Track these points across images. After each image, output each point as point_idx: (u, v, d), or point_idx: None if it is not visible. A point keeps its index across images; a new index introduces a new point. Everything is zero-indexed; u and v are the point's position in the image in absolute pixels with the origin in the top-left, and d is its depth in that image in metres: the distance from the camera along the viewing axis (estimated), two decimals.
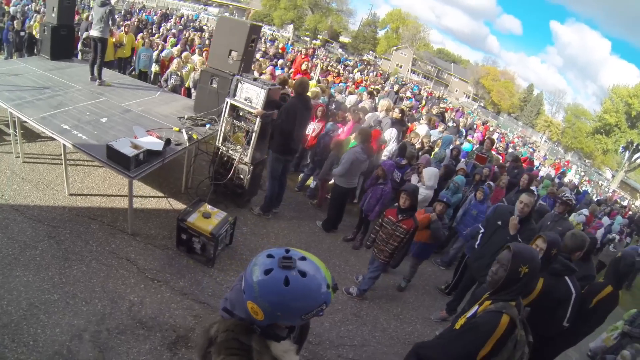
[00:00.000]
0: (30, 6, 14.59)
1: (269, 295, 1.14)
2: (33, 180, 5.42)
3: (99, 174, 6.04)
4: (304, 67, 12.03)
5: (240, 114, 5.63)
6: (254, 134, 5.49)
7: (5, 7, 13.34)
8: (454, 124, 15.91)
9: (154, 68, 10.45)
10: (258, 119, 5.35)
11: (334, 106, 9.04)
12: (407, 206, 4.43)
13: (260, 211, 6.02)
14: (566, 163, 33.43)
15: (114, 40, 10.09)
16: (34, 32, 10.65)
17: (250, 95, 5.42)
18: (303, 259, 1.21)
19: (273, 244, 5.38)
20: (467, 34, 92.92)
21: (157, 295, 4.06)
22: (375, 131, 6.78)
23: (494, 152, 10.20)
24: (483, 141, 11.43)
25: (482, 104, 55.17)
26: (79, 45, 9.95)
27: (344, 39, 60.65)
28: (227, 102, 5.57)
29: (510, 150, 21.94)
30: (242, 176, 5.84)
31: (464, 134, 15.34)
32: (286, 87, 7.51)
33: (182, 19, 25.67)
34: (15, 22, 11.03)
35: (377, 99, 11.29)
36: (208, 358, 1.27)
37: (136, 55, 10.64)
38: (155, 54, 10.56)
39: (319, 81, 12.44)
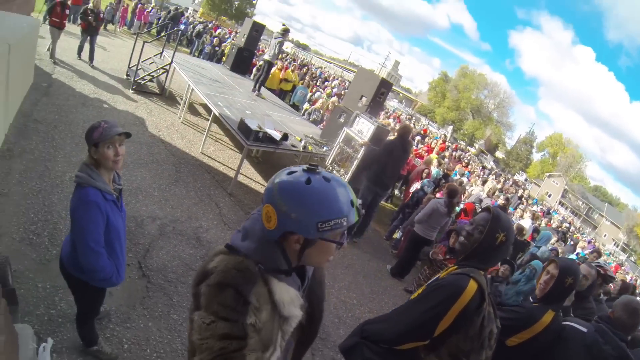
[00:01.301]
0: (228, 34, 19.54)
1: (287, 193, 1.08)
2: (182, 134, 7.76)
3: (227, 150, 7.98)
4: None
5: (352, 143, 6.54)
6: (355, 161, 6.31)
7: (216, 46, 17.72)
8: (572, 243, 14.39)
9: (306, 106, 12.29)
10: (362, 148, 6.18)
11: (443, 180, 9.50)
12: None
13: None
14: None
15: (281, 75, 12.28)
16: (225, 51, 15.12)
17: (363, 129, 6.35)
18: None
19: (338, 264, 5.79)
20: (632, 176, 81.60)
21: (222, 233, 5.02)
22: (468, 204, 7.10)
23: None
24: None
25: (633, 259, 47.65)
26: (254, 70, 12.35)
27: (499, 154, 59.50)
28: (344, 130, 6.58)
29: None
30: None
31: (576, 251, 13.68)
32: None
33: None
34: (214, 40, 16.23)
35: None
36: (197, 295, 1.11)
37: (294, 90, 12.73)
38: (309, 95, 12.52)
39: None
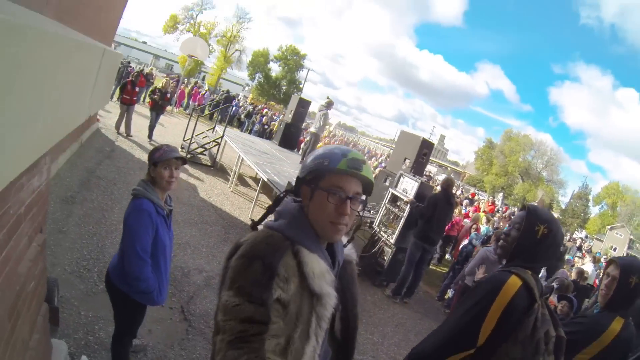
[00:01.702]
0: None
1: (311, 156, 1.31)
2: (231, 201, 8.31)
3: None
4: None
5: (398, 203, 6.67)
6: (402, 219, 6.36)
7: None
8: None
9: None
10: (408, 206, 6.25)
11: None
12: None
13: (391, 293, 6.51)
14: None
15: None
16: (273, 129, 16.46)
17: (407, 187, 6.51)
18: None
19: (388, 318, 5.77)
20: None
21: None
22: None
23: None
24: None
25: None
26: (302, 145, 12.96)
27: (554, 214, 56.60)
28: (389, 191, 6.76)
29: None
30: (385, 257, 6.61)
31: None
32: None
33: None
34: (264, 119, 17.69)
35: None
36: (226, 269, 1.16)
37: None
38: None
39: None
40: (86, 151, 7.81)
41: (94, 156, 7.66)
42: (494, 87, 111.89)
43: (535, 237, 1.74)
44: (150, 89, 11.47)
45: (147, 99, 11.77)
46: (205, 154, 10.95)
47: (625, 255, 42.59)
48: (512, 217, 2.11)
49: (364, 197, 1.31)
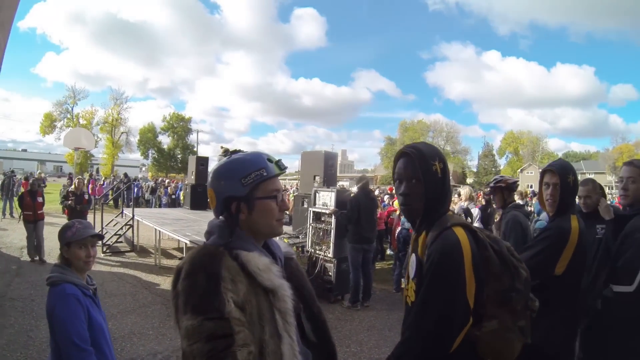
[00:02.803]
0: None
1: (216, 171, 1.31)
2: (163, 277, 7.87)
3: None
4: None
5: (322, 218, 6.76)
6: (332, 231, 6.45)
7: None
8: None
9: None
10: (333, 217, 6.37)
11: None
12: None
13: (349, 303, 6.50)
14: None
15: None
16: (181, 198, 16.04)
17: (326, 200, 6.64)
18: None
19: (356, 326, 5.74)
20: (587, 126, 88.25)
21: None
22: None
23: None
24: None
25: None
26: None
27: (470, 180, 60.49)
28: (309, 211, 6.82)
29: None
30: (330, 273, 6.64)
31: None
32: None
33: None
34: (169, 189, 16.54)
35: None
36: (176, 296, 1.12)
37: None
38: None
39: None
40: None
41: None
42: (375, 89, 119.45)
43: (437, 177, 1.53)
44: (62, 194, 10.26)
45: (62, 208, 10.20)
46: (121, 241, 10.48)
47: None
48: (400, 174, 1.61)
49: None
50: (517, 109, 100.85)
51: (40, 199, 8.89)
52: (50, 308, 2.03)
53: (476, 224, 7.06)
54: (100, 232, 7.88)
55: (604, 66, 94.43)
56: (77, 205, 8.90)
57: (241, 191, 1.25)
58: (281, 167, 1.32)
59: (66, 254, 2.17)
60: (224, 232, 1.26)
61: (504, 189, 3.97)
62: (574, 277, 2.22)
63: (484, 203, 8.50)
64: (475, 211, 7.84)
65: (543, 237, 2.35)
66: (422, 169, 1.52)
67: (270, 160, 1.30)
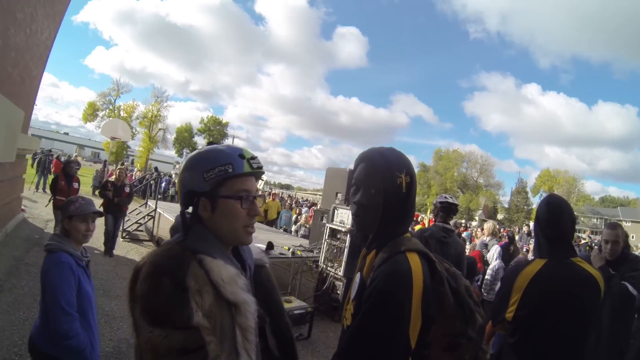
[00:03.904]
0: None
1: (184, 161, 1.21)
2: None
3: None
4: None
5: (338, 236, 6.73)
6: (345, 250, 6.40)
7: None
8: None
9: (294, 227, 12.76)
10: (348, 235, 6.31)
11: None
12: None
13: None
14: None
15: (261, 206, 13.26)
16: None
17: (343, 218, 6.59)
18: None
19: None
20: (627, 170, 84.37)
21: None
22: (474, 253, 7.09)
23: None
24: None
25: None
26: None
27: (500, 215, 59.42)
28: (326, 227, 6.80)
29: None
30: (338, 291, 6.57)
31: None
32: None
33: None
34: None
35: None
36: (134, 300, 1.01)
37: (279, 216, 13.10)
38: (294, 217, 13.10)
39: None
40: (12, 240, 7.55)
41: (21, 244, 7.41)
42: (413, 114, 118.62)
43: (401, 192, 1.34)
44: (95, 180, 10.40)
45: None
46: (141, 229, 10.89)
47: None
48: (359, 180, 1.46)
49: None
50: (554, 147, 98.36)
51: (76, 185, 8.09)
52: (44, 272, 2.18)
53: (496, 262, 6.89)
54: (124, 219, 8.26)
55: None
56: (115, 197, 8.07)
57: (202, 186, 1.14)
58: (252, 166, 1.17)
59: (67, 225, 2.31)
60: (191, 234, 1.16)
61: (440, 209, 4.08)
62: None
63: (507, 240, 8.24)
64: (495, 248, 7.61)
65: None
66: (384, 180, 1.34)
67: (242, 156, 1.16)
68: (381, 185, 1.34)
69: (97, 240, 8.71)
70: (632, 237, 49.01)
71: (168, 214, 9.44)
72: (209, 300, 1.01)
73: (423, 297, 1.18)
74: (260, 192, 1.27)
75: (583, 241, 14.08)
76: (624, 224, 52.46)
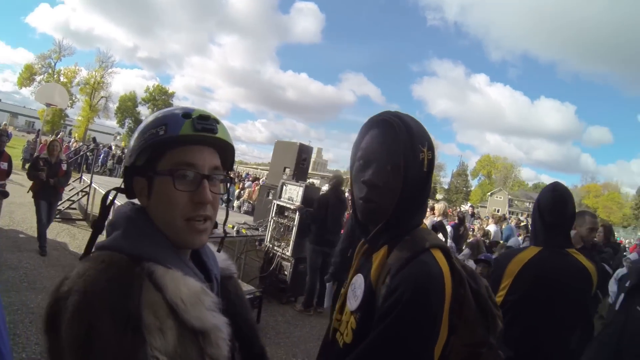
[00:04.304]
0: None
1: (137, 130, 0.88)
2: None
3: None
4: None
5: (286, 213, 6.33)
6: (294, 229, 6.02)
7: None
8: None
9: (236, 203, 12.31)
10: (297, 213, 5.93)
11: None
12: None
13: (302, 307, 6.10)
14: None
15: None
16: None
17: (292, 195, 6.19)
18: None
19: (306, 333, 5.35)
20: (560, 161, 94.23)
21: None
22: None
23: None
24: None
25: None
26: None
27: (440, 196, 61.67)
28: (273, 204, 6.37)
29: None
30: (285, 272, 6.20)
31: None
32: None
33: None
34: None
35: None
36: (54, 353, 0.69)
37: None
38: (237, 192, 12.62)
39: None
40: None
41: None
42: (360, 93, 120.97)
43: (422, 171, 1.04)
44: (25, 154, 8.51)
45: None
46: (74, 207, 9.70)
47: (508, 213, 48.09)
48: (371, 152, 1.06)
49: (225, 173, 0.90)
50: (495, 134, 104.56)
51: (4, 165, 6.03)
52: None
53: (448, 243, 6.79)
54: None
55: (585, 107, 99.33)
56: (50, 177, 6.16)
57: (132, 159, 0.83)
58: (196, 127, 0.81)
59: None
60: (134, 231, 0.80)
61: None
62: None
63: (457, 221, 8.22)
64: (448, 228, 7.54)
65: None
66: (405, 154, 1.00)
67: (187, 115, 0.82)
68: (401, 161, 1.00)
69: (22, 222, 7.84)
70: None
71: (105, 190, 8.47)
72: (172, 338, 0.71)
73: (450, 306, 0.95)
74: (218, 170, 0.82)
75: (522, 223, 14.61)
76: None
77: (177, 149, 0.81)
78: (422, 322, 0.90)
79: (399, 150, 1.01)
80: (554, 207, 2.02)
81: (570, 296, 1.93)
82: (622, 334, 2.10)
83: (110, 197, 0.88)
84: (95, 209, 9.44)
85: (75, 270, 0.72)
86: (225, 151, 0.91)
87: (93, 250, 0.81)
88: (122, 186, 0.88)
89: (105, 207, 0.86)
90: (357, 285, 1.08)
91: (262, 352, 1.05)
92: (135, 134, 0.85)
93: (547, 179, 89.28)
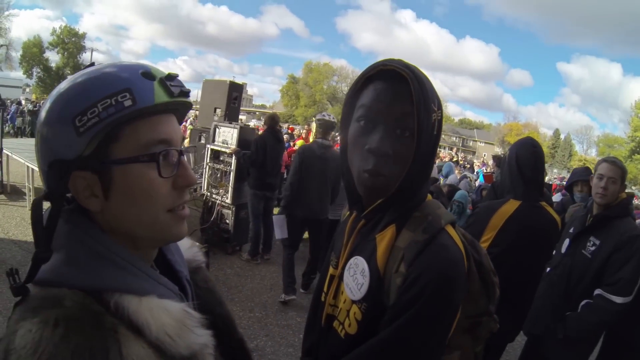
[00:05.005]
0: None
1: (42, 113, 0.61)
2: None
3: None
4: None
5: (221, 158, 5.85)
6: (231, 174, 5.58)
7: None
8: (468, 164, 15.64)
9: None
10: (234, 158, 5.46)
11: None
12: None
13: (249, 256, 5.83)
14: None
15: None
16: None
17: (227, 137, 5.68)
18: None
19: (257, 284, 5.14)
20: (484, 99, 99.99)
21: None
22: None
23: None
24: None
25: None
26: None
27: None
28: (207, 148, 5.85)
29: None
30: (227, 220, 5.83)
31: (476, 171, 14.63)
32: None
33: None
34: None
35: None
36: None
37: None
38: None
39: None
40: None
41: None
42: (283, 26, 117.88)
43: (433, 135, 0.88)
44: None
45: None
46: None
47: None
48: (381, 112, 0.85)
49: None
50: (421, 70, 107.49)
51: None
52: None
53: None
54: None
55: (508, 50, 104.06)
56: None
57: (76, 147, 0.56)
58: (173, 92, 0.61)
59: None
60: (83, 249, 0.59)
61: (319, 127, 4.47)
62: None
63: None
64: None
65: None
66: (419, 115, 0.82)
67: (149, 75, 0.60)
68: (414, 124, 0.83)
69: None
70: (485, 154, 57.69)
71: (18, 154, 7.24)
72: None
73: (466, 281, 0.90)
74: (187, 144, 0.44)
75: (454, 159, 15.07)
76: (478, 144, 61.43)
77: (140, 123, 0.60)
78: (445, 316, 0.83)
79: (412, 111, 0.82)
80: (536, 164, 2.16)
81: (545, 245, 2.18)
82: (569, 275, 2.38)
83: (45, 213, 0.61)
84: (12, 177, 8.17)
85: (17, 334, 0.51)
86: (183, 112, 0.72)
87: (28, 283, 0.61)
88: (49, 190, 0.60)
89: (41, 228, 0.59)
90: (357, 270, 0.93)
91: (241, 343, 0.94)
92: (53, 114, 0.58)
93: (471, 115, 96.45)
